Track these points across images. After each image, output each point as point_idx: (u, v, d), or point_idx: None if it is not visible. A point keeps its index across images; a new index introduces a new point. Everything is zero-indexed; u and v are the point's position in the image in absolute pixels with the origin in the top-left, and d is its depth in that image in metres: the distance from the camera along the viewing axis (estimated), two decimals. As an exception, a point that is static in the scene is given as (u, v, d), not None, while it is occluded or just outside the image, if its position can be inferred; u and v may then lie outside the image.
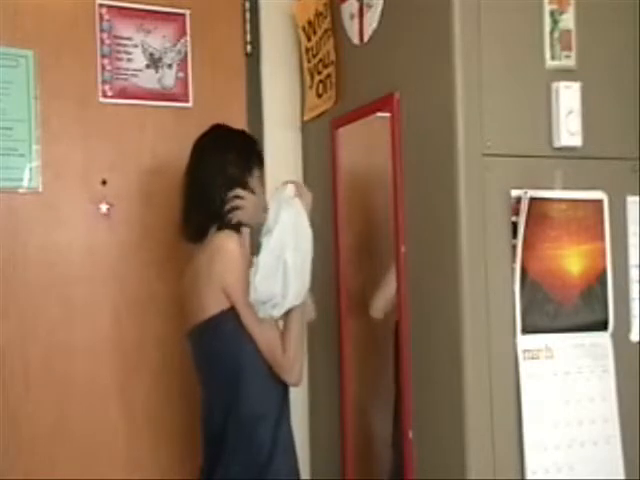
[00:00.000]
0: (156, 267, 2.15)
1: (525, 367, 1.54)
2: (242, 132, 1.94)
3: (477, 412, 1.51)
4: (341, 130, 2.02)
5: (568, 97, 1.59)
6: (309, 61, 2.19)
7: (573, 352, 1.59)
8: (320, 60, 2.11)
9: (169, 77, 2.19)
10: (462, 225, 1.51)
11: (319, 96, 2.13)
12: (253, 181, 1.84)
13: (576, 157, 1.62)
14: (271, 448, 1.74)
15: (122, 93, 2.13)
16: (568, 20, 1.63)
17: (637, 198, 1.68)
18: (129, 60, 2.14)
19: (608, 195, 1.64)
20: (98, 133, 2.10)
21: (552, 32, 1.61)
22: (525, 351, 1.55)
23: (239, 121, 2.17)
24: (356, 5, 1.91)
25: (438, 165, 1.57)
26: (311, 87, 2.18)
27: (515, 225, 1.55)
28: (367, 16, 1.85)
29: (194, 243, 1.84)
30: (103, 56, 2.11)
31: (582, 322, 1.60)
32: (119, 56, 2.13)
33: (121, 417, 2.10)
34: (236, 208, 1.79)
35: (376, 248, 1.99)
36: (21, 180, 2.01)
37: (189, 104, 2.21)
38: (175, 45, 2.20)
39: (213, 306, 1.73)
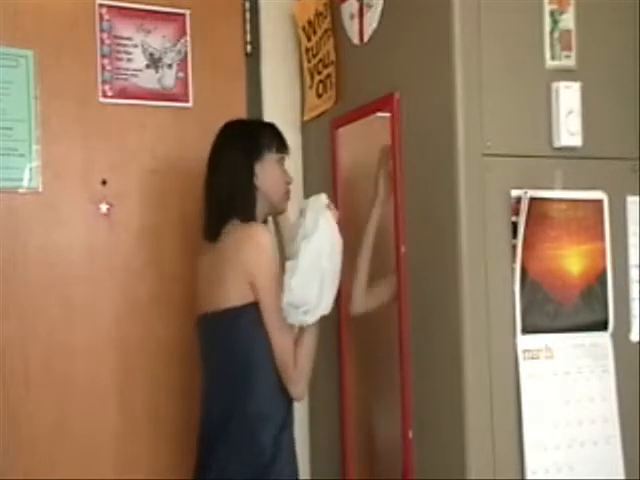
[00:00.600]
0: (156, 267, 2.14)
1: (525, 367, 1.54)
2: (251, 121, 1.96)
3: (477, 412, 1.51)
4: (341, 130, 2.02)
5: (568, 97, 1.59)
6: (309, 61, 2.18)
7: (573, 352, 1.59)
8: (320, 60, 2.11)
9: (169, 77, 2.19)
10: (462, 225, 1.51)
11: (319, 96, 2.13)
12: (266, 165, 1.83)
13: (576, 157, 1.62)
14: (274, 450, 1.71)
15: (122, 93, 2.13)
16: (568, 20, 1.63)
17: (637, 198, 1.68)
18: (129, 60, 2.14)
19: (608, 195, 1.64)
20: (98, 133, 2.10)
21: (552, 32, 1.61)
22: (525, 351, 1.55)
23: (239, 121, 2.17)
24: (356, 5, 1.91)
25: (438, 165, 1.57)
26: (311, 87, 2.18)
27: (515, 225, 1.55)
28: (367, 16, 1.85)
29: (213, 242, 1.81)
30: (103, 56, 2.11)
31: (582, 322, 1.60)
32: (119, 56, 2.13)
33: (121, 417, 2.10)
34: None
35: (376, 248, 1.99)
36: (21, 180, 2.01)
37: (189, 104, 2.21)
38: (175, 45, 2.20)
39: (234, 297, 1.69)
